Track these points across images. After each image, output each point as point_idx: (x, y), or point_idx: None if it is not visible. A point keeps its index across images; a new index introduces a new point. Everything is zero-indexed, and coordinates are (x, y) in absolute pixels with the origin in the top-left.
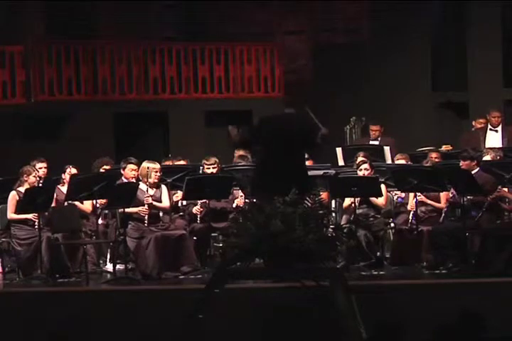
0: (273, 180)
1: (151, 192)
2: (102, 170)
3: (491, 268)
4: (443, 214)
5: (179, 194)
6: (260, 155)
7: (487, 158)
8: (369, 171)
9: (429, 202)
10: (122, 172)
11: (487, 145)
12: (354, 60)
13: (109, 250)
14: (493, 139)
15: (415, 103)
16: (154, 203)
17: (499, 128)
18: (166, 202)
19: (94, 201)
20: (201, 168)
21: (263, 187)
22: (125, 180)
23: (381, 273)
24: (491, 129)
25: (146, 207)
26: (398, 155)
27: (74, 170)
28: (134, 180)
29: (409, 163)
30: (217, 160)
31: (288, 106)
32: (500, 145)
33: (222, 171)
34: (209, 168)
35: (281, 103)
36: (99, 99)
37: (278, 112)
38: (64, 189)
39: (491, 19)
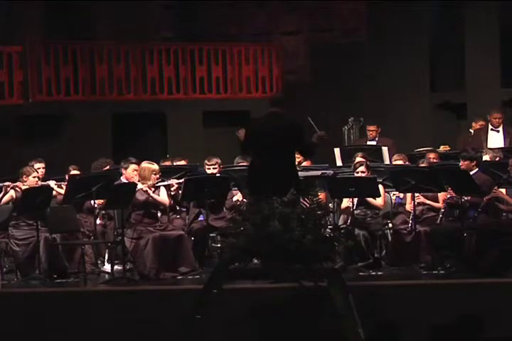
0: (263, 180)
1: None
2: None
3: (489, 268)
4: (440, 215)
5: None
6: (252, 156)
7: (485, 157)
8: (365, 173)
9: (427, 202)
10: (123, 172)
11: (489, 146)
12: (352, 60)
13: (107, 250)
14: (495, 139)
15: (414, 103)
16: (155, 197)
17: (500, 129)
18: (165, 200)
19: (92, 201)
20: (203, 168)
21: (254, 188)
22: (124, 181)
23: (379, 273)
24: (492, 129)
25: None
26: (395, 156)
27: (76, 172)
28: (134, 181)
29: (406, 163)
30: (218, 161)
31: (273, 105)
32: (503, 146)
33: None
34: (209, 169)
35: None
36: (97, 99)
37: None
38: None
39: (489, 20)
